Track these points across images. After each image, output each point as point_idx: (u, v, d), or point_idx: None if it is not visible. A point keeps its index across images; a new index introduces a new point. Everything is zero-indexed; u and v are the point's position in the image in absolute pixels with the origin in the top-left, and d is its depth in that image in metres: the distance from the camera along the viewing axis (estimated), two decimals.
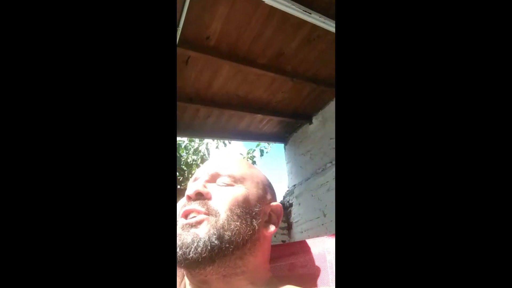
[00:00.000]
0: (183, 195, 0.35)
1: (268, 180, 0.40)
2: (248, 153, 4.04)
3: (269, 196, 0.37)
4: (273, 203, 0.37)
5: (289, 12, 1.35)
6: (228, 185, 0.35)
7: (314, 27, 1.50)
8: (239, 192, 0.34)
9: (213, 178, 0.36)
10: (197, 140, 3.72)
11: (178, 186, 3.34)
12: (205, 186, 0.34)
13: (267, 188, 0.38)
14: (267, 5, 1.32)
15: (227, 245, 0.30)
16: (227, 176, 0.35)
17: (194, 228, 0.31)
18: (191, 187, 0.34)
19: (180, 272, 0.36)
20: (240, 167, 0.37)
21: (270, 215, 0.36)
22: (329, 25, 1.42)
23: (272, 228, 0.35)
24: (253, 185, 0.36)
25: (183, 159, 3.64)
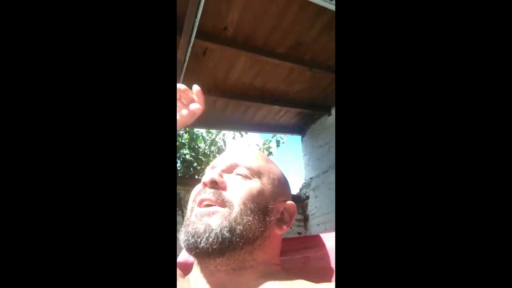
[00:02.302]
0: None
1: (284, 178, 0.40)
2: (264, 144, 4.04)
3: (283, 194, 0.37)
4: (287, 202, 0.37)
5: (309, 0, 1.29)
6: (244, 176, 0.35)
7: (334, 14, 1.43)
8: (254, 186, 0.34)
9: (231, 168, 0.36)
10: (214, 131, 3.78)
11: (196, 176, 3.44)
12: (221, 176, 0.34)
13: (282, 186, 0.38)
14: None
15: (238, 239, 0.30)
16: (244, 167, 0.35)
17: (207, 218, 0.31)
18: (207, 174, 0.34)
19: (179, 273, 0.37)
20: (259, 161, 0.37)
21: (283, 213, 0.36)
22: None
23: (284, 227, 0.35)
24: (269, 181, 0.36)
25: (201, 150, 3.72)
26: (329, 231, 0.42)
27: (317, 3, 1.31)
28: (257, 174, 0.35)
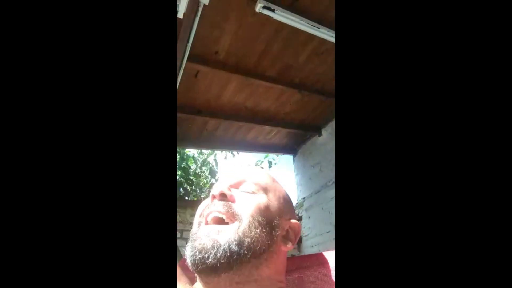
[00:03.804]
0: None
1: (289, 197, 0.40)
2: (256, 164, 4.02)
3: (288, 213, 0.37)
4: (292, 220, 0.37)
5: (298, 27, 1.36)
6: (252, 192, 0.35)
7: (323, 41, 1.51)
8: (261, 200, 0.35)
9: (238, 184, 0.36)
10: (205, 151, 3.75)
11: (186, 198, 3.34)
12: (229, 189, 0.35)
13: (288, 204, 0.38)
14: (275, 20, 1.33)
15: (246, 252, 0.30)
16: (252, 183, 0.36)
17: (215, 235, 0.31)
18: (216, 187, 0.34)
19: (186, 280, 0.36)
20: (265, 178, 0.38)
21: (288, 231, 0.36)
22: None
23: (289, 244, 0.35)
24: (275, 198, 0.36)
25: (191, 170, 3.66)
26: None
27: (305, 30, 1.38)
28: (264, 190, 0.36)
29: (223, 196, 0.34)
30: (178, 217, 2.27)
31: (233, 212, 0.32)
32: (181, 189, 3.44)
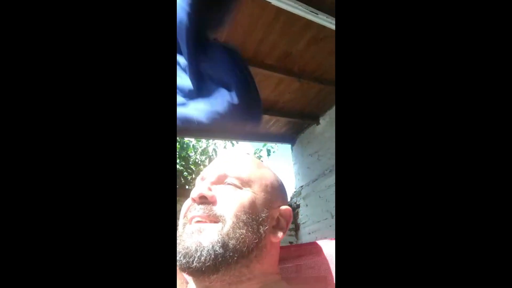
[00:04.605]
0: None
1: (279, 182, 0.38)
2: (255, 153, 4.05)
3: (278, 200, 0.36)
4: (282, 207, 0.35)
5: (296, 13, 1.34)
6: (235, 187, 0.33)
7: (321, 27, 1.49)
8: (245, 197, 0.33)
9: (220, 179, 0.35)
10: (205, 140, 3.76)
11: (187, 187, 3.38)
12: (210, 189, 0.33)
13: (276, 191, 0.36)
14: (273, 6, 1.32)
15: (231, 254, 0.29)
16: (234, 177, 0.34)
17: (197, 235, 0.30)
18: (196, 189, 0.33)
19: (184, 280, 0.36)
20: (249, 168, 0.36)
21: (278, 219, 0.35)
22: None
23: (279, 234, 0.34)
24: (261, 189, 0.34)
25: (191, 159, 3.68)
26: (320, 239, 0.41)
27: (304, 16, 1.37)
28: (248, 183, 0.34)
29: (203, 199, 0.32)
30: (179, 206, 2.31)
31: (215, 214, 0.31)
32: (181, 178, 3.47)
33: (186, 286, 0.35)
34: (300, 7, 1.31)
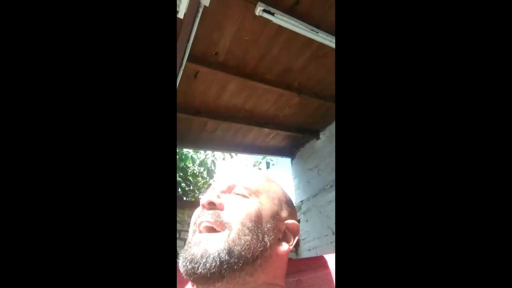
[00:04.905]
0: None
1: (286, 196, 0.39)
2: (254, 165, 4.02)
3: (284, 213, 0.36)
4: (289, 221, 0.36)
5: (297, 31, 1.37)
6: (242, 196, 0.35)
7: (322, 45, 1.52)
8: (252, 205, 0.34)
9: (229, 189, 0.36)
10: (203, 151, 3.75)
11: (184, 198, 3.34)
12: (218, 197, 0.34)
13: (283, 205, 0.37)
14: (275, 24, 1.34)
15: (236, 260, 0.30)
16: (242, 187, 0.35)
17: (204, 243, 0.31)
18: (206, 196, 0.34)
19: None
20: (257, 180, 0.37)
21: (285, 232, 0.35)
22: None
23: (285, 246, 0.34)
24: (268, 200, 0.35)
25: (189, 171, 3.66)
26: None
27: (304, 34, 1.39)
28: (255, 193, 0.35)
29: (211, 205, 0.33)
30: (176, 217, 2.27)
31: (222, 221, 0.32)
32: (179, 189, 3.44)
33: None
34: (300, 25, 1.33)
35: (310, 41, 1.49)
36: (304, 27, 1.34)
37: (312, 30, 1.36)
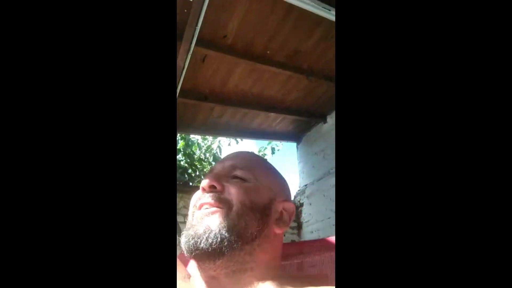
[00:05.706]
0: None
1: (282, 179, 0.40)
2: (259, 151, 4.04)
3: (282, 195, 0.38)
4: (286, 202, 0.37)
5: (308, 9, 1.33)
6: (241, 179, 0.35)
7: (333, 24, 1.48)
8: (250, 186, 0.35)
9: (229, 172, 0.37)
10: (210, 137, 3.76)
11: (190, 183, 3.39)
12: (218, 179, 0.35)
13: (280, 187, 0.38)
14: (285, 2, 1.30)
15: (236, 238, 0.31)
16: (241, 169, 0.36)
17: (206, 219, 0.32)
18: (206, 180, 0.35)
19: (184, 275, 0.37)
20: (255, 162, 0.38)
21: (281, 213, 0.37)
22: None
23: (282, 227, 0.36)
24: (266, 182, 0.37)
25: (196, 156, 3.69)
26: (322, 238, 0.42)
27: (315, 12, 1.35)
28: (254, 175, 0.36)
29: (212, 188, 0.34)
30: (182, 202, 2.31)
31: (222, 199, 0.33)
32: (185, 175, 3.48)
33: (189, 280, 0.35)
34: (312, 2, 1.29)
35: (321, 20, 1.45)
36: (315, 4, 1.30)
37: (324, 8, 1.32)
